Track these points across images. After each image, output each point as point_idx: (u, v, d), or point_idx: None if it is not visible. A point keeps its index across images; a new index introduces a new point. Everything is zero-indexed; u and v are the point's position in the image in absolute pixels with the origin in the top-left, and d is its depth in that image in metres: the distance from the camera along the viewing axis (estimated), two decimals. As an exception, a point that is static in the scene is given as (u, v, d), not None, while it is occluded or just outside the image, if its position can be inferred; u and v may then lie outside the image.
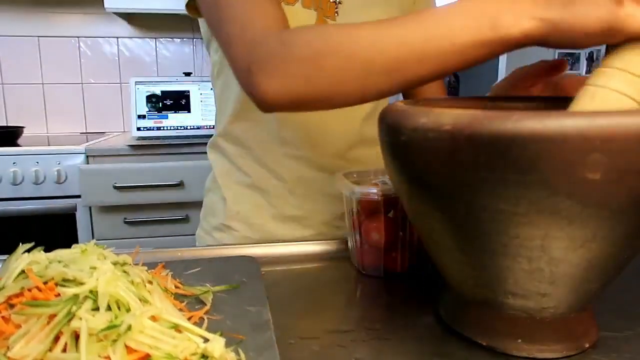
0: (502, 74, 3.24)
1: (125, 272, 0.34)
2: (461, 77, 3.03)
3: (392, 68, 0.43)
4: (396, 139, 0.35)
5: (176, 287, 0.43)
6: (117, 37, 2.13)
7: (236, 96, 0.68)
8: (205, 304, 0.41)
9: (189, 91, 1.85)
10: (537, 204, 0.30)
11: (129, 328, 0.29)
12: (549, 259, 0.32)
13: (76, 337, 0.28)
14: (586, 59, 3.24)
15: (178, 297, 0.42)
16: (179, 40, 2.18)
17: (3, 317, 0.30)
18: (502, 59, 3.20)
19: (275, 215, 0.71)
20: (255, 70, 0.49)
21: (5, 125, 2.05)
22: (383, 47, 0.43)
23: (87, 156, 1.64)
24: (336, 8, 0.65)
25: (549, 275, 0.33)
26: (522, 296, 0.35)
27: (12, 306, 0.30)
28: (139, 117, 1.82)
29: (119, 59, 2.14)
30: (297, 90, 0.47)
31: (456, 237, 0.35)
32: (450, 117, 0.31)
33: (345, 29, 0.46)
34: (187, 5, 0.62)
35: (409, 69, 0.43)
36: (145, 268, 0.39)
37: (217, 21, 0.53)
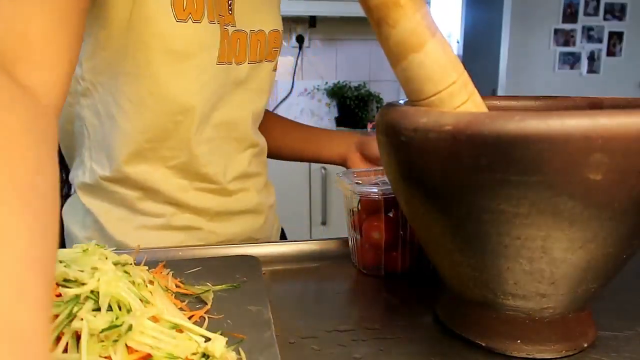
0: (502, 74, 3.24)
1: (126, 272, 0.34)
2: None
3: None
4: (395, 139, 0.35)
5: (177, 286, 0.43)
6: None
7: (137, 130, 0.58)
8: (206, 303, 0.41)
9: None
10: (539, 205, 0.30)
11: (130, 328, 0.29)
12: (549, 259, 0.32)
13: (77, 337, 0.28)
14: (587, 59, 3.24)
15: (179, 296, 0.42)
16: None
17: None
18: (503, 59, 3.21)
19: (203, 239, 0.67)
20: None
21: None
22: None
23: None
24: (230, 8, 0.61)
25: (549, 276, 0.33)
26: (522, 297, 0.35)
27: (12, 306, 0.30)
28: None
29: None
30: None
31: (456, 238, 0.35)
32: (451, 117, 0.31)
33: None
34: None
35: None
36: (146, 268, 0.39)
37: None
